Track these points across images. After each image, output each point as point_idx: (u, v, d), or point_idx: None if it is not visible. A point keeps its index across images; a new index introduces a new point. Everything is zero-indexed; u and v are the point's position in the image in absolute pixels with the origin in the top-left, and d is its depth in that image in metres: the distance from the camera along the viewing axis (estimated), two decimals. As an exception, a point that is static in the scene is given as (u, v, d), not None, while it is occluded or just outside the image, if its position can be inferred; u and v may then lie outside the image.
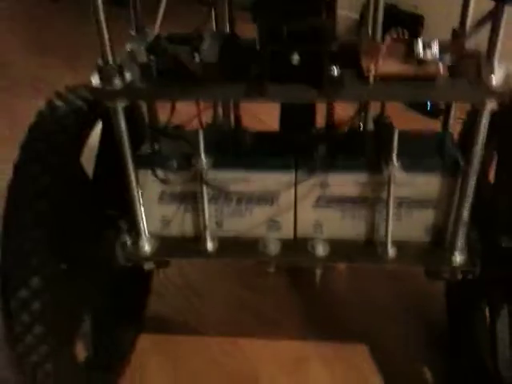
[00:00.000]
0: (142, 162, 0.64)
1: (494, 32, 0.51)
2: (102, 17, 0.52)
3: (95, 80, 0.56)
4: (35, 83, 1.64)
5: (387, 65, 0.54)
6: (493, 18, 0.51)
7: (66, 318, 0.63)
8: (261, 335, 0.85)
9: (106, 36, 0.54)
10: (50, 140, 0.61)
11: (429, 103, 1.24)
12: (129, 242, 0.69)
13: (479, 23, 0.54)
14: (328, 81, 0.53)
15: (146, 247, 0.68)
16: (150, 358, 0.83)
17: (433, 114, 1.24)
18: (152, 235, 0.69)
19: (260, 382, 0.79)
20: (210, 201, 0.66)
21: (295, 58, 0.53)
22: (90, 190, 0.68)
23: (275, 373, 0.80)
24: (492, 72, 0.53)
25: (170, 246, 0.69)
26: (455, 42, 0.58)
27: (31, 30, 2.16)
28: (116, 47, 0.56)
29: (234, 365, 0.82)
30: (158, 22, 0.60)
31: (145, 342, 0.85)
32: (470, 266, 0.65)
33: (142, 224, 0.67)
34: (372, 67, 0.54)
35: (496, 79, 0.53)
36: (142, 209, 0.66)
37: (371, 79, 0.54)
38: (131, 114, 0.61)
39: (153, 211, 0.67)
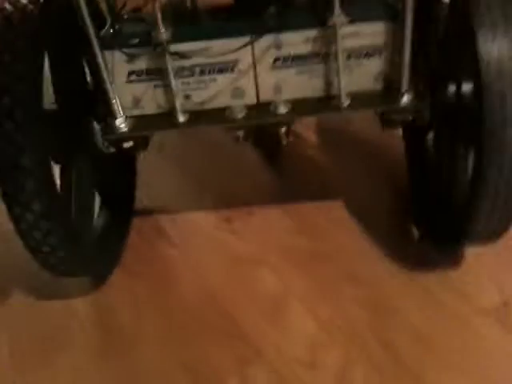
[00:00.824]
0: (106, 44, 0.68)
1: None
2: None
3: None
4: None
5: None
6: None
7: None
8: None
9: None
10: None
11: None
12: (105, 126, 0.74)
13: None
14: None
15: (122, 126, 0.74)
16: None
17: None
18: (126, 115, 0.74)
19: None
20: (175, 75, 0.71)
21: None
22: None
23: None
24: None
25: (145, 123, 0.74)
26: None
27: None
28: None
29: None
30: None
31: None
32: (418, 105, 0.72)
33: (115, 105, 0.72)
34: None
35: None
36: (113, 89, 0.71)
37: None
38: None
39: (123, 92, 0.72)
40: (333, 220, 0.91)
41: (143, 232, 0.93)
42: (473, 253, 0.79)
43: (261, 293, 0.81)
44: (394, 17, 0.67)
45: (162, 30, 0.66)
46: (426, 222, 0.84)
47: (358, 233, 0.87)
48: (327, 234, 0.88)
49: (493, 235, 0.71)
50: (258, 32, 0.68)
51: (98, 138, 0.76)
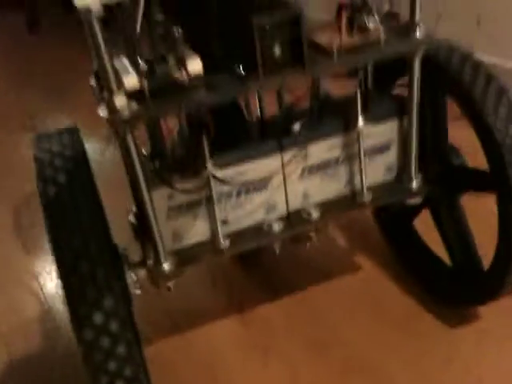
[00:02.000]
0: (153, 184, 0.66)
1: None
2: (102, 49, 0.55)
3: (103, 112, 0.58)
4: (19, 117, 1.65)
5: (343, 38, 0.66)
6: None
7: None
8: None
9: (111, 69, 0.56)
10: None
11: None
12: (145, 269, 0.70)
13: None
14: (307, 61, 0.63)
15: (166, 266, 0.70)
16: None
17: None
18: (168, 253, 0.71)
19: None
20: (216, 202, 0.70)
21: (277, 49, 0.62)
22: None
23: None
24: (418, 27, 0.68)
25: (186, 257, 0.72)
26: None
27: (13, 62, 2.11)
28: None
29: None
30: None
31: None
32: (427, 188, 0.80)
33: (160, 245, 0.69)
34: (335, 43, 0.65)
35: (421, 33, 0.68)
36: (158, 231, 0.68)
37: (335, 54, 0.65)
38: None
39: (164, 229, 0.70)
40: (343, 308, 0.93)
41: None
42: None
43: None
44: (402, 113, 0.76)
45: (209, 162, 0.66)
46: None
47: (368, 322, 0.90)
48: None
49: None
50: (288, 148, 0.72)
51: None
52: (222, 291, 1.00)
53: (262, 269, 1.03)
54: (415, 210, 0.92)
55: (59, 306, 1.01)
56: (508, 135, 0.69)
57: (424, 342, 0.86)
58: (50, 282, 1.09)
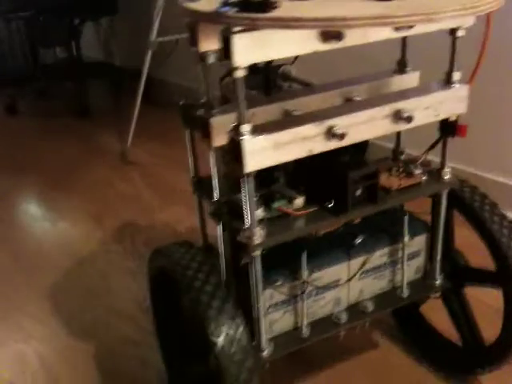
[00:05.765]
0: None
1: (443, 151, 0.94)
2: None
3: (241, 238, 0.79)
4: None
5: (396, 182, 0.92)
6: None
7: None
8: None
9: (252, 200, 0.78)
10: None
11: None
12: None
13: (431, 147, 0.96)
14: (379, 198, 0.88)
15: (265, 353, 0.90)
16: None
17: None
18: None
19: None
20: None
21: (359, 192, 0.86)
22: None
23: None
24: (443, 174, 0.95)
25: (277, 345, 0.91)
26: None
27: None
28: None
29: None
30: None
31: None
32: (445, 284, 1.05)
33: (263, 336, 0.89)
34: (394, 185, 0.91)
35: (447, 177, 0.95)
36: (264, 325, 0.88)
37: (394, 193, 0.91)
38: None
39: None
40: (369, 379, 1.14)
41: None
42: None
43: None
44: (429, 230, 1.02)
45: (306, 270, 0.88)
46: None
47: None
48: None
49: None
50: (354, 257, 0.96)
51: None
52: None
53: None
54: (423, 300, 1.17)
55: None
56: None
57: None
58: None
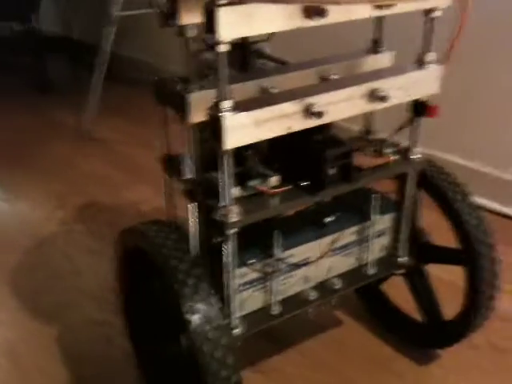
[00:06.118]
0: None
1: (414, 132, 0.96)
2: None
3: (217, 216, 0.79)
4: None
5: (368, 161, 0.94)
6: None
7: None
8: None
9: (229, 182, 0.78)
10: None
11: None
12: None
13: (401, 128, 0.97)
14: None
15: (237, 331, 0.90)
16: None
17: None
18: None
19: None
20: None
21: (334, 170, 0.87)
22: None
23: None
24: (412, 154, 0.97)
25: (249, 322, 0.92)
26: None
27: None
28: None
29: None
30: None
31: None
32: (410, 262, 1.08)
33: (235, 314, 0.89)
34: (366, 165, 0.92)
35: (417, 156, 0.97)
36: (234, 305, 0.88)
37: (366, 170, 0.92)
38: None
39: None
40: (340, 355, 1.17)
41: None
42: None
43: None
44: (397, 209, 1.04)
45: (280, 248, 0.89)
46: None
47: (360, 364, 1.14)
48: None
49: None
50: (325, 235, 0.97)
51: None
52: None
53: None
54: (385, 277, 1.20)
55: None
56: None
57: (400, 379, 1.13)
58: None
